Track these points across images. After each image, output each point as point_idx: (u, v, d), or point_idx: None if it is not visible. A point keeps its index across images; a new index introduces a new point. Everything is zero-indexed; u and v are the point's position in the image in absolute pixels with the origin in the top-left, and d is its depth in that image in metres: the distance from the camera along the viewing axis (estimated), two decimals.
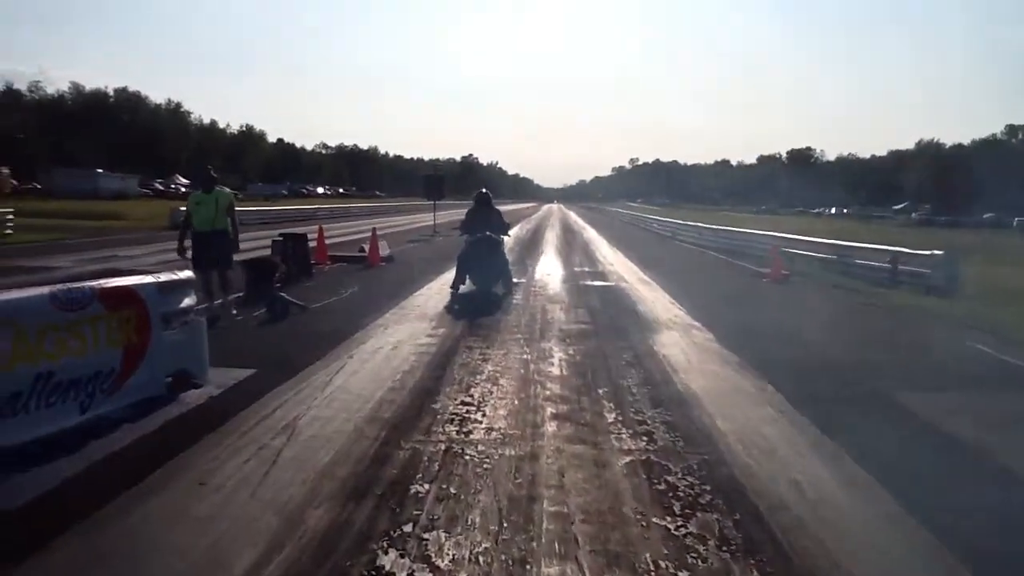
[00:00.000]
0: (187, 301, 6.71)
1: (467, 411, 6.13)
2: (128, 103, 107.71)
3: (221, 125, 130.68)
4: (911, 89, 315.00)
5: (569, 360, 8.13)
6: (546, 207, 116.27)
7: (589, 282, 16.11)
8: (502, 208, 15.74)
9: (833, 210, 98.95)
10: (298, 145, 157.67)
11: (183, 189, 71.76)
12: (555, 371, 7.62)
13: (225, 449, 5.11)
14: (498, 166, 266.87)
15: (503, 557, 3.66)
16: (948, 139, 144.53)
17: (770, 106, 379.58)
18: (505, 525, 4.01)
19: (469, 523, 4.03)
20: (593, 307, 12.27)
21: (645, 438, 5.56)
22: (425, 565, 3.57)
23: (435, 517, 4.10)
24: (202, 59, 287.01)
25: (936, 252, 15.67)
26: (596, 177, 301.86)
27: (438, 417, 5.96)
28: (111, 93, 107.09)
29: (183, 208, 11.48)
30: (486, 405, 6.33)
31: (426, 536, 3.87)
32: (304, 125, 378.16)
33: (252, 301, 11.07)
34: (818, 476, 4.86)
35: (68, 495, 4.35)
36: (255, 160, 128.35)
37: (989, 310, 12.00)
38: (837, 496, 4.57)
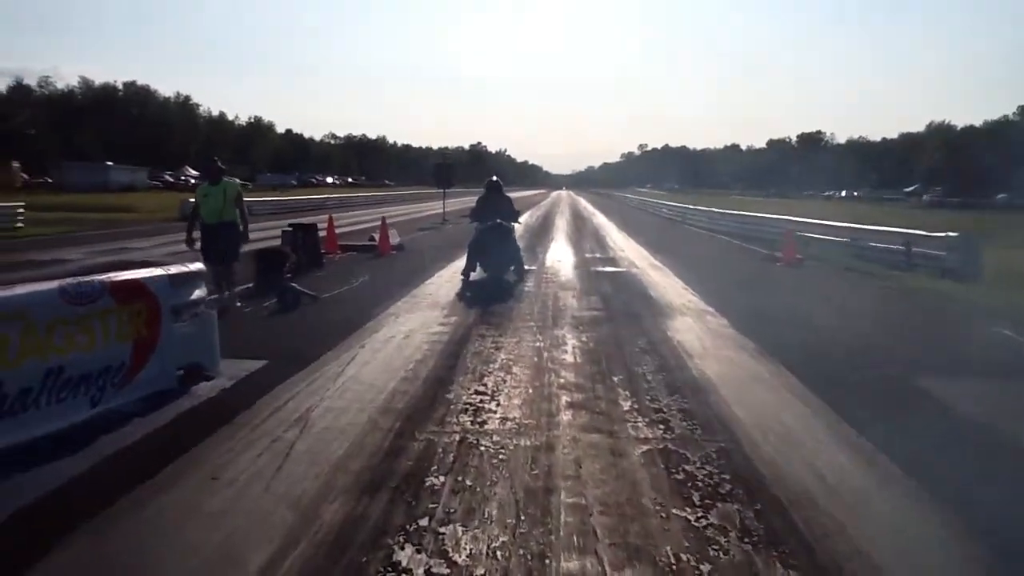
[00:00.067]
0: (197, 293, 6.65)
1: (481, 401, 6.06)
2: (137, 97, 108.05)
3: (230, 117, 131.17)
4: (922, 71, 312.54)
5: (582, 347, 8.05)
6: (555, 194, 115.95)
7: (600, 268, 16.02)
8: (511, 195, 15.63)
9: (843, 193, 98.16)
10: (307, 136, 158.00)
11: (193, 181, 71.76)
12: (569, 359, 7.54)
13: (238, 442, 5.06)
14: (507, 154, 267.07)
15: (521, 551, 3.59)
16: (959, 121, 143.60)
17: (779, 90, 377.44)
18: (522, 518, 3.94)
19: (486, 516, 3.96)
20: (605, 293, 12.18)
21: (662, 426, 5.48)
22: (442, 560, 3.51)
23: (451, 510, 4.03)
24: (211, 53, 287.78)
25: (951, 234, 15.48)
26: (605, 163, 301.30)
27: (452, 407, 5.89)
28: (120, 87, 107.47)
29: (192, 200, 11.43)
30: (500, 394, 6.27)
31: (442, 530, 3.80)
32: (312, 116, 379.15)
33: (263, 292, 11.03)
34: (840, 464, 4.77)
35: (78, 491, 4.31)
36: (264, 151, 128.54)
37: (1007, 293, 11.82)
38: (860, 485, 4.48)
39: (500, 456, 4.85)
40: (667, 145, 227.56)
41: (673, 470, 4.65)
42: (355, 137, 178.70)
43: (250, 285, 11.41)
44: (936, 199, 73.51)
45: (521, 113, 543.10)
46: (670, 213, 42.15)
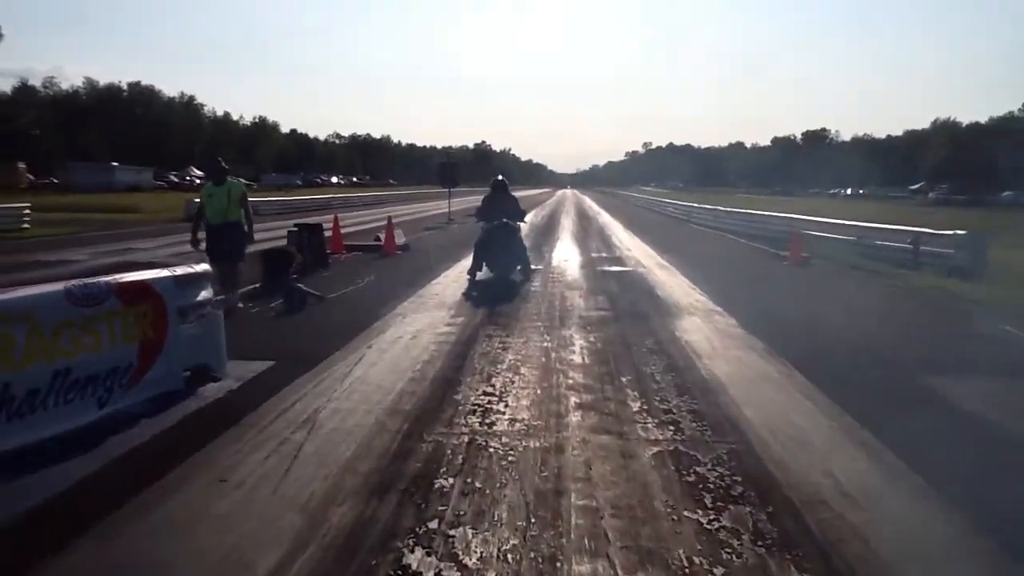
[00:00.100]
0: (204, 294, 6.62)
1: (489, 402, 6.03)
2: (142, 97, 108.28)
3: (234, 117, 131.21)
4: (927, 68, 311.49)
5: (590, 347, 8.01)
6: (560, 193, 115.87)
7: (607, 267, 15.98)
8: (516, 194, 15.61)
9: (848, 191, 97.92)
10: (311, 136, 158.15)
11: (198, 181, 71.89)
12: (577, 359, 7.50)
13: (245, 444, 5.04)
14: (511, 153, 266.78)
15: (532, 554, 3.56)
16: (964, 118, 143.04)
17: (784, 88, 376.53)
18: (533, 520, 3.91)
19: (496, 519, 3.93)
20: (612, 293, 12.14)
21: (672, 427, 5.45)
22: (453, 564, 3.48)
23: (461, 513, 4.00)
24: (215, 53, 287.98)
25: (958, 232, 15.42)
26: (609, 162, 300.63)
27: (460, 408, 5.86)
28: (124, 88, 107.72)
29: (197, 200, 11.42)
30: (508, 395, 6.23)
31: (452, 533, 3.77)
32: (317, 116, 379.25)
33: (269, 292, 11.01)
34: (852, 466, 4.73)
35: (87, 492, 4.29)
36: (268, 151, 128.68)
37: (1016, 292, 11.77)
38: (871, 485, 4.44)
39: (509, 458, 4.82)
40: (671, 143, 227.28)
41: (684, 472, 4.61)
42: (359, 137, 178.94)
43: (256, 285, 11.39)
44: (942, 196, 73.20)
45: (525, 112, 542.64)
46: (675, 211, 42.04)
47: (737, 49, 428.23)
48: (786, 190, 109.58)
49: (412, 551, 3.59)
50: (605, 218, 40.14)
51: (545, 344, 8.14)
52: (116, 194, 54.27)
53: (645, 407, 5.92)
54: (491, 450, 4.95)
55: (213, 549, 3.62)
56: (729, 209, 31.69)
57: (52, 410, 4.92)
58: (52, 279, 5.42)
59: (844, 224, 20.53)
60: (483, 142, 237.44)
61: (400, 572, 3.41)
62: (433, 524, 3.86)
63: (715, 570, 3.44)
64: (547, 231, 28.29)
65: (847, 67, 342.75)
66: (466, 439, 5.16)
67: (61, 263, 15.13)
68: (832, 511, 4.05)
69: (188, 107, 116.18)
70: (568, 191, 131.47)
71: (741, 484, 4.43)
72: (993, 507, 4.10)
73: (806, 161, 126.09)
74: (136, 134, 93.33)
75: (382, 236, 18.59)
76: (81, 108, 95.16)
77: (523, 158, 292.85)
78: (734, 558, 3.55)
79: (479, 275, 13.14)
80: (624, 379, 6.76)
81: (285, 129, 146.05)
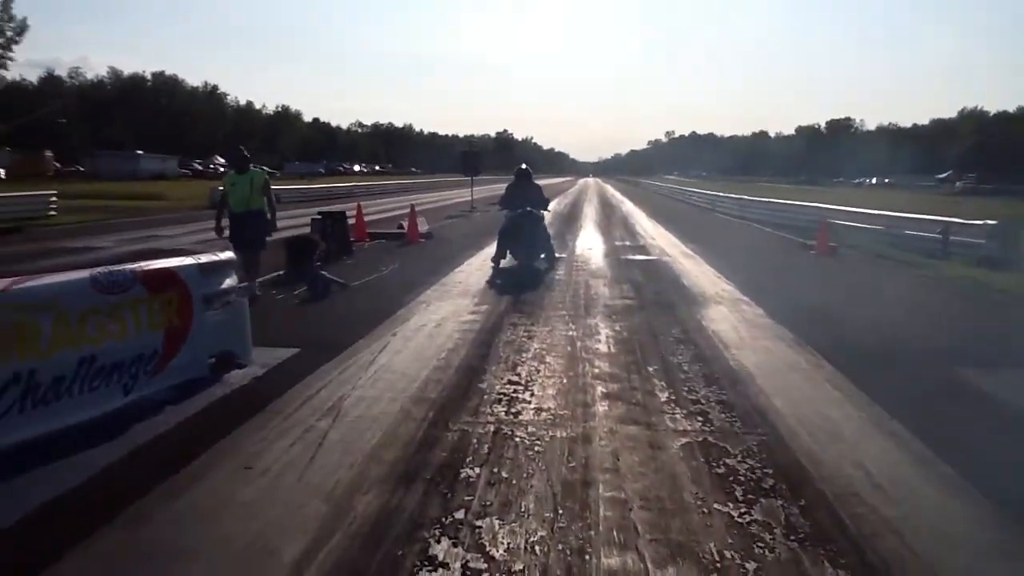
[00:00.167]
0: (228, 282, 6.60)
1: (515, 391, 5.97)
2: (166, 86, 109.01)
3: (257, 106, 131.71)
4: (953, 56, 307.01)
5: (616, 336, 7.93)
6: (582, 181, 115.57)
7: (631, 256, 15.87)
8: (538, 183, 15.53)
9: (874, 180, 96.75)
10: (334, 124, 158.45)
11: (222, 169, 72.31)
12: (602, 348, 7.43)
13: (271, 431, 5.02)
14: (533, 141, 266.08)
15: (560, 546, 3.50)
16: (992, 106, 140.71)
17: (808, 77, 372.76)
18: (560, 512, 3.85)
19: (523, 510, 3.87)
20: (637, 282, 12.04)
21: (700, 418, 5.36)
22: (479, 555, 3.42)
23: (487, 503, 3.95)
24: (237, 43, 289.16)
25: (989, 221, 15.15)
26: (632, 151, 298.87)
27: (485, 397, 5.81)
28: (149, 77, 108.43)
29: (221, 188, 11.45)
30: (534, 384, 6.18)
31: (479, 523, 3.72)
32: (339, 105, 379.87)
33: (293, 280, 11.01)
34: (885, 459, 4.63)
35: (113, 479, 4.28)
36: (291, 140, 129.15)
37: None
38: (904, 477, 4.34)
39: (536, 448, 4.76)
40: (694, 132, 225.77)
41: (714, 463, 4.53)
42: (382, 125, 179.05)
43: (280, 273, 11.40)
44: (969, 185, 72.28)
45: (547, 100, 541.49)
46: (699, 200, 41.72)
47: (759, 38, 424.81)
48: (811, 179, 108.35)
49: (438, 541, 3.54)
50: (628, 206, 39.94)
51: (570, 333, 8.07)
52: (141, 182, 54.79)
53: (673, 397, 5.84)
54: (517, 439, 4.90)
55: (238, 536, 3.59)
56: (754, 198, 31.37)
57: (77, 397, 4.92)
58: (78, 266, 5.43)
59: (871, 213, 20.24)
60: (505, 130, 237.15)
61: (427, 563, 3.37)
62: (459, 514, 3.82)
63: (747, 564, 3.36)
64: (570, 219, 28.17)
65: (872, 56, 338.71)
66: (492, 428, 5.11)
67: (87, 250, 15.24)
68: (865, 504, 3.96)
69: (211, 96, 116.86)
70: (590, 179, 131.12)
71: (772, 476, 4.34)
72: None
73: (830, 150, 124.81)
74: (160, 123, 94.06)
75: (405, 224, 18.57)
76: (106, 98, 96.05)
77: (545, 147, 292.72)
78: (767, 552, 3.47)
79: (503, 263, 13.09)
80: (651, 368, 6.68)
81: (307, 118, 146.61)
